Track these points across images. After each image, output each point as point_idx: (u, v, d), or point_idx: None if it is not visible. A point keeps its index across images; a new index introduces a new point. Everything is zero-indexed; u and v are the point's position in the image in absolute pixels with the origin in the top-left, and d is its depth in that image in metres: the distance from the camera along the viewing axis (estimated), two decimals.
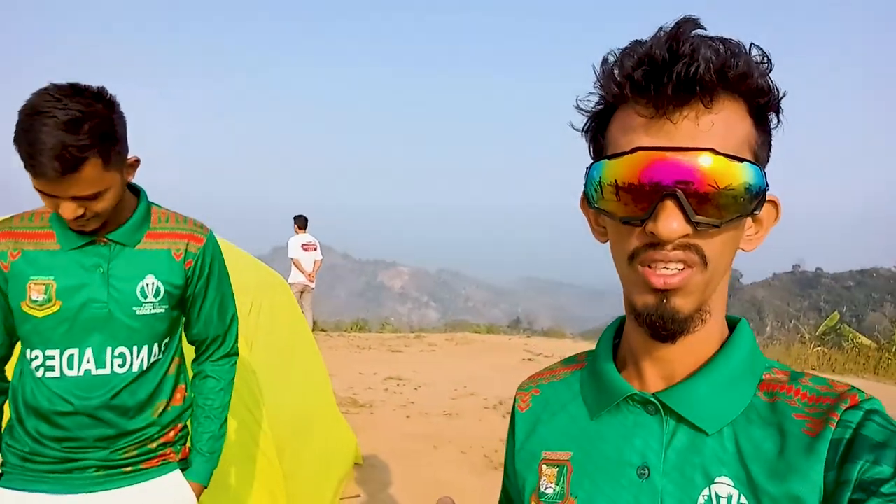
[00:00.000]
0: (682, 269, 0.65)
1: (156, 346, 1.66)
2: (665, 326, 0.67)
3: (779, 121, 0.70)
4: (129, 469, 1.65)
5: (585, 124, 0.76)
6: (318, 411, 4.08)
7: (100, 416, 1.58)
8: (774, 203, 0.73)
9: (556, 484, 0.78)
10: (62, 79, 1.46)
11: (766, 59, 0.66)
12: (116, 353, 1.59)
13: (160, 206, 1.70)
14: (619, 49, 0.69)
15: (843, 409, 0.65)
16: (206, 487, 1.78)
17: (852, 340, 14.17)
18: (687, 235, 0.64)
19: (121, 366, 1.60)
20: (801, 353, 11.96)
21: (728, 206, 0.64)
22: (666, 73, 0.63)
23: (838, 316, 15.44)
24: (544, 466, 0.81)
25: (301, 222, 10.09)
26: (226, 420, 1.83)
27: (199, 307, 1.74)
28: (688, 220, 0.63)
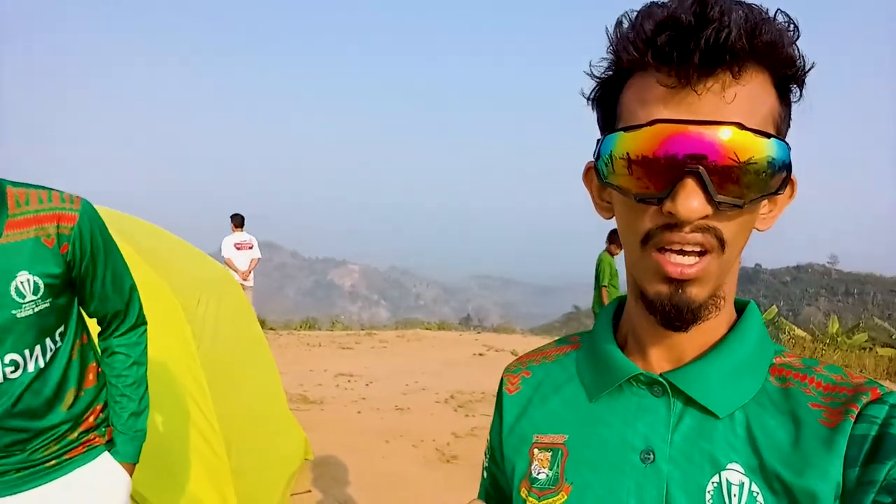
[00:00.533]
0: (699, 255, 0.61)
1: (48, 340, 1.50)
2: (679, 317, 0.63)
3: (801, 94, 0.65)
4: (52, 463, 1.55)
5: (594, 91, 0.70)
6: (268, 407, 4.03)
7: (5, 425, 1.46)
8: (791, 181, 0.67)
9: (550, 469, 0.73)
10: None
11: (792, 26, 0.61)
12: (7, 360, 1.43)
13: (15, 185, 1.45)
14: (633, 11, 0.63)
15: (864, 402, 0.62)
16: (136, 464, 1.69)
17: (789, 333, 14.76)
18: (706, 217, 0.59)
19: (13, 371, 1.44)
20: None
21: (752, 185, 0.59)
22: (693, 39, 0.57)
23: (776, 309, 16.05)
24: (536, 450, 0.76)
25: (237, 221, 10.00)
26: (145, 393, 1.71)
27: (89, 287, 1.57)
28: (709, 199, 0.59)
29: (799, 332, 14.97)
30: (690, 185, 0.58)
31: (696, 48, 0.57)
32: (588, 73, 0.68)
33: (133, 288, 1.71)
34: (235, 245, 9.88)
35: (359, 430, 5.57)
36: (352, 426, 5.69)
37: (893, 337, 15.26)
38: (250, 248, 10.04)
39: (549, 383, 0.81)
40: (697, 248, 0.61)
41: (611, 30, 0.64)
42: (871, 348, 13.76)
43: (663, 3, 0.60)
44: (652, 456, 0.67)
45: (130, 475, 1.68)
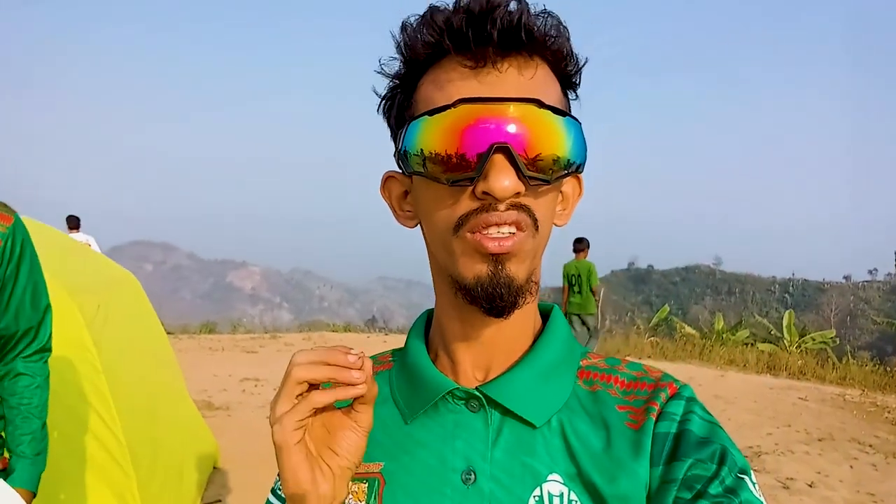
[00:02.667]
0: (514, 233, 0.60)
1: None
2: (502, 297, 0.61)
3: (577, 95, 0.68)
4: None
5: (387, 92, 0.69)
6: (175, 414, 3.87)
7: None
8: (578, 178, 0.70)
9: (367, 502, 0.68)
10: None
11: (563, 26, 0.63)
12: None
13: None
14: (416, 15, 0.64)
15: (664, 399, 0.65)
16: (35, 494, 1.59)
17: (680, 331, 15.62)
18: (518, 194, 0.59)
19: None
20: (638, 343, 12.97)
21: (557, 162, 0.60)
22: (489, 21, 0.58)
23: (668, 309, 16.95)
24: (350, 482, 0.70)
25: (73, 223, 9.58)
26: (45, 421, 1.63)
27: (9, 294, 1.53)
28: (520, 175, 0.58)
29: (689, 329, 15.89)
30: (501, 162, 0.58)
31: (493, 27, 0.58)
32: (380, 72, 0.68)
33: (48, 308, 1.66)
34: None
35: (268, 436, 5.33)
36: (261, 432, 5.53)
37: (772, 332, 16.47)
38: (88, 247, 9.63)
39: None
40: (513, 229, 0.60)
41: (397, 33, 0.65)
42: (752, 343, 14.77)
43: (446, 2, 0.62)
44: (473, 476, 0.64)
45: None
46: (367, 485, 0.69)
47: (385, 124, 0.70)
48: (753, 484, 0.59)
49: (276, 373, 8.11)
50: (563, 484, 0.63)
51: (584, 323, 8.27)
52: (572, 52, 0.64)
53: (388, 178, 0.72)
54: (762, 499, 0.59)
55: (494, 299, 0.61)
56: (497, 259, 0.60)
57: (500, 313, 0.62)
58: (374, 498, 0.68)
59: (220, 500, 4.01)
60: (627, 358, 0.71)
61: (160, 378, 3.85)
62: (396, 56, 0.66)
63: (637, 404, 0.65)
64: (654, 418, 0.63)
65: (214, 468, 4.36)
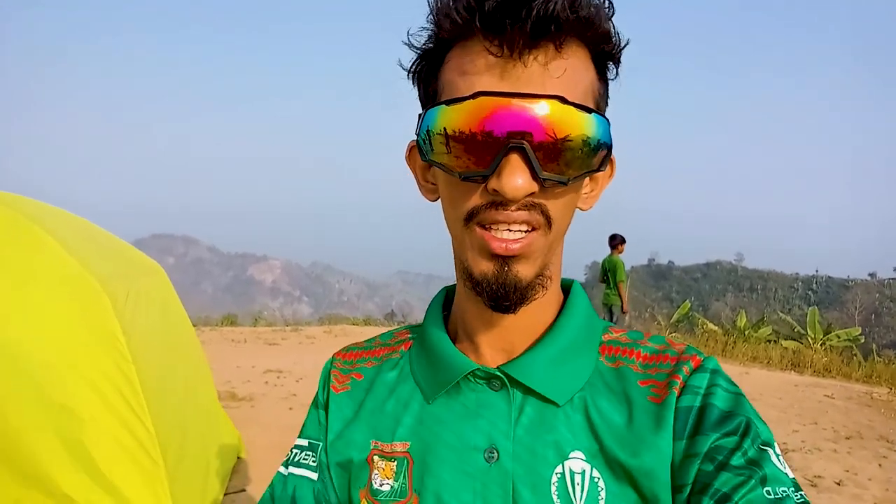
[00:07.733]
0: (526, 232, 0.59)
1: None
2: (507, 296, 0.60)
3: (617, 73, 0.64)
4: None
5: (414, 64, 0.66)
6: (201, 405, 3.89)
7: None
8: (611, 159, 0.66)
9: (396, 480, 0.69)
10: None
11: (608, 2, 0.59)
12: None
13: None
14: None
15: (687, 372, 0.63)
16: None
17: (702, 327, 15.47)
18: (532, 194, 0.57)
19: None
20: None
21: (575, 162, 0.57)
22: (523, 7, 0.54)
23: (689, 305, 16.79)
24: (376, 458, 0.71)
25: None
26: None
27: None
28: (534, 176, 0.56)
29: (711, 326, 15.74)
30: (515, 161, 0.56)
31: (528, 17, 0.54)
32: (407, 44, 0.64)
33: None
34: None
35: (292, 427, 5.45)
36: (284, 423, 5.57)
37: (795, 330, 16.26)
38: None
39: (382, 385, 0.75)
40: (524, 227, 0.58)
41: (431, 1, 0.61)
42: (775, 341, 14.60)
43: None
44: (496, 454, 0.64)
45: None
46: (395, 463, 0.69)
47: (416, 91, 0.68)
48: (777, 456, 0.59)
49: (299, 365, 8.18)
50: (586, 461, 0.63)
51: (611, 313, 8.92)
52: (611, 33, 0.60)
53: (413, 148, 0.70)
54: (786, 471, 0.58)
55: (499, 298, 0.60)
56: (503, 259, 0.59)
57: (506, 311, 0.62)
58: (405, 476, 0.68)
59: (244, 490, 4.04)
60: (650, 332, 0.71)
61: (187, 368, 3.88)
62: (426, 26, 0.62)
63: (660, 378, 0.64)
64: (676, 392, 0.62)
65: (238, 458, 4.39)
